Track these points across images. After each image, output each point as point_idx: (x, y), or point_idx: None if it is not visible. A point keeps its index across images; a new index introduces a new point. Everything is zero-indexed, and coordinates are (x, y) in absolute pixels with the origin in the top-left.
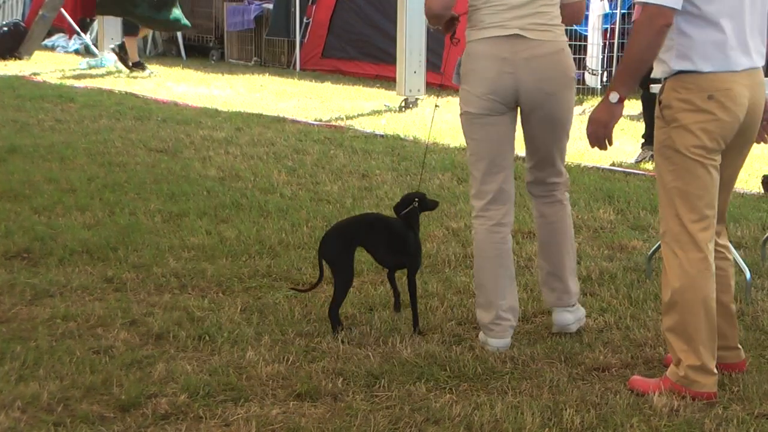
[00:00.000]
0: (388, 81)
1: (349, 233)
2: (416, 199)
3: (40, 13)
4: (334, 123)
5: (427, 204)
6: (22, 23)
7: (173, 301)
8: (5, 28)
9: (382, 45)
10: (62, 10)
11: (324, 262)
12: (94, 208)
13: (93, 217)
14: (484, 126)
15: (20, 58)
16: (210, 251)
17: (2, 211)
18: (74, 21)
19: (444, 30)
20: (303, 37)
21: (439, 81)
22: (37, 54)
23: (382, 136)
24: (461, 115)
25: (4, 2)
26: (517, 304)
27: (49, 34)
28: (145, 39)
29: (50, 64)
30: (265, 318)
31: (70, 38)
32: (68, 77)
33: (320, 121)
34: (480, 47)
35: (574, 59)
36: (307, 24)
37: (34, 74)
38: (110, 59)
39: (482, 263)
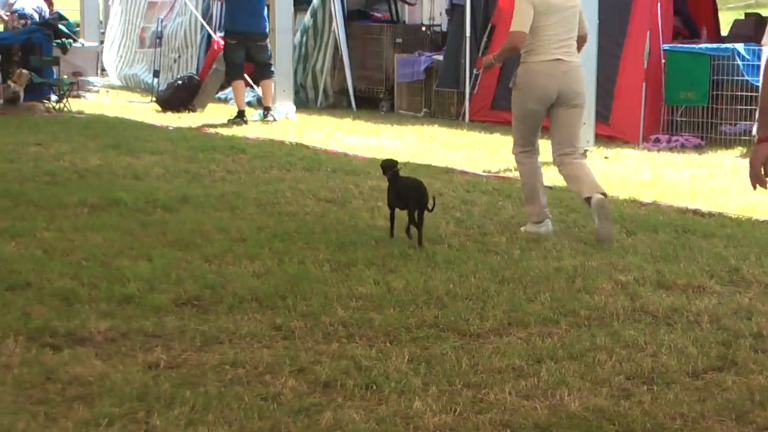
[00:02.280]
0: None
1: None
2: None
3: (214, 66)
4: (502, 174)
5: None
6: (196, 76)
7: (341, 350)
8: (180, 81)
9: None
10: None
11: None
12: (263, 256)
13: (262, 265)
14: (536, 113)
15: (194, 111)
16: (378, 301)
17: (174, 259)
18: (247, 74)
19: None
20: (472, 88)
21: (609, 132)
22: (210, 106)
23: (550, 187)
24: (524, 111)
25: (179, 57)
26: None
27: (222, 87)
28: (316, 90)
29: (223, 117)
30: (432, 368)
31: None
32: (239, 129)
33: (489, 172)
34: (537, 66)
35: (746, 110)
36: (477, 75)
37: (207, 126)
38: (282, 111)
39: (533, 178)
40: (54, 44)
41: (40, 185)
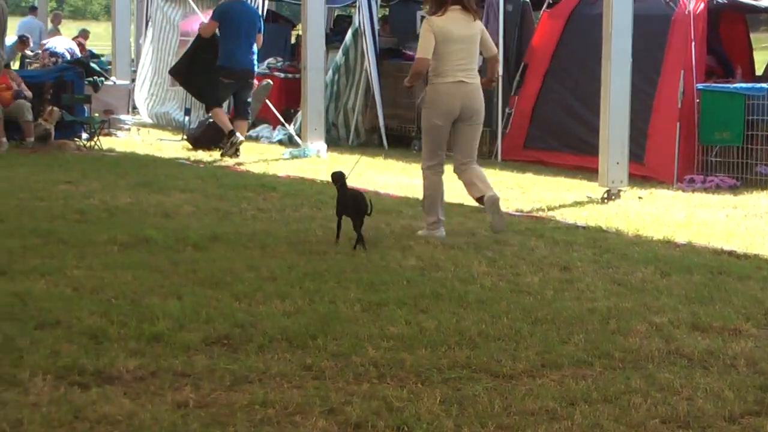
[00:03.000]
0: (590, 172)
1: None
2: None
3: None
4: (535, 214)
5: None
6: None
7: (372, 391)
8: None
9: (585, 136)
10: (267, 101)
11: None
12: (294, 295)
13: (293, 304)
14: (442, 129)
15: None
16: (409, 341)
17: (204, 297)
18: (278, 112)
19: (415, 85)
20: (505, 127)
21: (643, 172)
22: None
23: (583, 227)
24: (431, 126)
25: None
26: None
27: (254, 125)
28: (347, 128)
29: (254, 154)
30: (464, 410)
31: (274, 129)
32: (271, 167)
33: (521, 211)
34: (442, 87)
35: None
36: (510, 114)
37: (238, 164)
38: (313, 149)
39: (435, 192)
40: (86, 82)
41: (70, 223)
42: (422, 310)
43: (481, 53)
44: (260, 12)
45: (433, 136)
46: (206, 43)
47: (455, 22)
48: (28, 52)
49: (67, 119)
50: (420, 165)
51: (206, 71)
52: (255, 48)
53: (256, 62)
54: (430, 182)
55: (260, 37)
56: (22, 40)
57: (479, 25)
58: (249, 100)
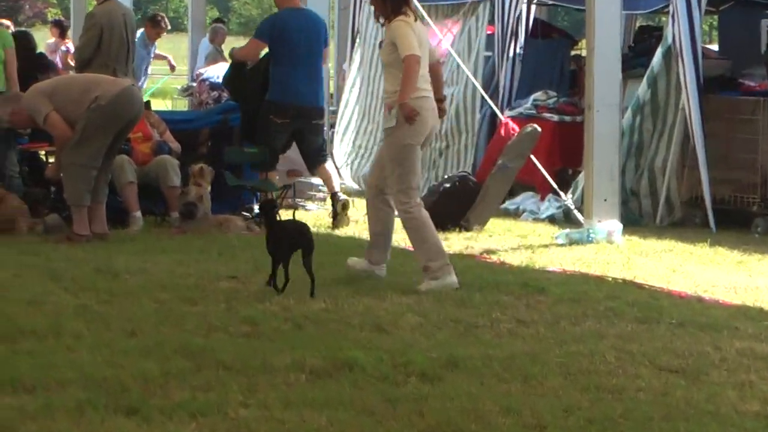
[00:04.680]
0: None
1: None
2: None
3: (499, 162)
4: None
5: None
6: (472, 177)
7: None
8: (447, 185)
9: None
10: (532, 156)
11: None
12: None
13: None
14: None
15: (469, 229)
16: None
17: None
18: (549, 173)
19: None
20: None
21: None
22: (493, 222)
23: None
24: (406, 145)
25: (447, 147)
26: None
27: (512, 193)
28: (654, 198)
29: (511, 238)
30: None
31: (542, 199)
32: (537, 256)
33: None
34: (419, 102)
35: None
36: None
37: (488, 252)
38: (602, 231)
39: (429, 229)
40: None
41: (235, 339)
42: None
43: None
44: (523, 21)
45: (414, 162)
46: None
47: (418, 26)
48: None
49: (231, 184)
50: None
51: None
52: (322, 77)
53: (322, 95)
54: (421, 222)
55: (326, 53)
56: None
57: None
58: (323, 145)
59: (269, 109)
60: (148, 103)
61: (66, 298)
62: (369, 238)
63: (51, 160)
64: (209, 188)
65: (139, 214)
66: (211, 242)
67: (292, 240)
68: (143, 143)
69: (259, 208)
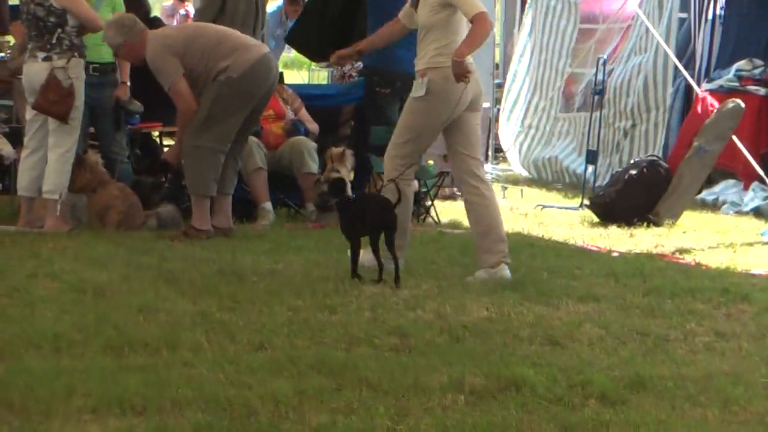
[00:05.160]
0: None
1: None
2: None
3: (695, 144)
4: None
5: None
6: (662, 162)
7: None
8: (633, 172)
9: None
10: (734, 137)
11: None
12: None
13: None
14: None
15: (658, 224)
16: None
17: None
18: (755, 157)
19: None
20: None
21: None
22: (687, 215)
23: None
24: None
25: (633, 126)
26: None
27: (709, 181)
28: None
29: (709, 234)
30: None
31: (746, 188)
32: (740, 257)
33: None
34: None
35: None
36: None
37: (681, 252)
38: None
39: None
40: None
41: (382, 353)
42: None
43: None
44: None
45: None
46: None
47: None
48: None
49: (378, 171)
50: None
51: None
52: None
53: None
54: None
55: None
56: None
57: None
58: None
59: (370, 79)
60: (281, 75)
61: (183, 304)
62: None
63: (167, 143)
64: (351, 176)
65: (269, 205)
66: None
67: (372, 218)
68: (275, 123)
69: (329, 188)
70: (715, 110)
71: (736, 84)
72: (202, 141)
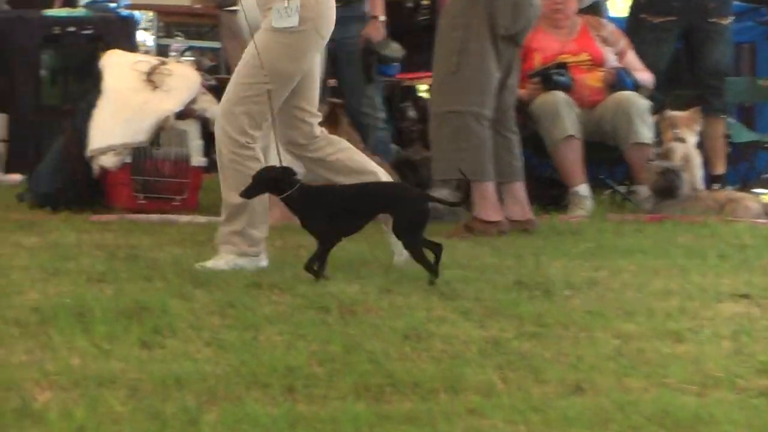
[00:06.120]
0: None
1: None
2: None
3: None
4: None
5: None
6: None
7: None
8: None
9: None
10: None
11: None
12: None
13: None
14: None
15: None
16: None
17: None
18: None
19: None
20: None
21: None
22: None
23: None
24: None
25: None
26: None
27: None
28: None
29: None
30: None
31: None
32: None
33: None
34: None
35: None
36: None
37: None
38: None
39: None
40: None
41: (747, 398)
42: None
43: None
44: None
45: None
46: None
47: None
48: None
49: (738, 141)
50: None
51: None
52: None
53: None
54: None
55: None
56: None
57: None
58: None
59: (637, 2)
60: (596, 4)
61: (467, 328)
62: None
63: None
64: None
65: (585, 189)
66: (701, 238)
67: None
68: (591, 72)
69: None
70: None
71: None
72: (457, 103)
